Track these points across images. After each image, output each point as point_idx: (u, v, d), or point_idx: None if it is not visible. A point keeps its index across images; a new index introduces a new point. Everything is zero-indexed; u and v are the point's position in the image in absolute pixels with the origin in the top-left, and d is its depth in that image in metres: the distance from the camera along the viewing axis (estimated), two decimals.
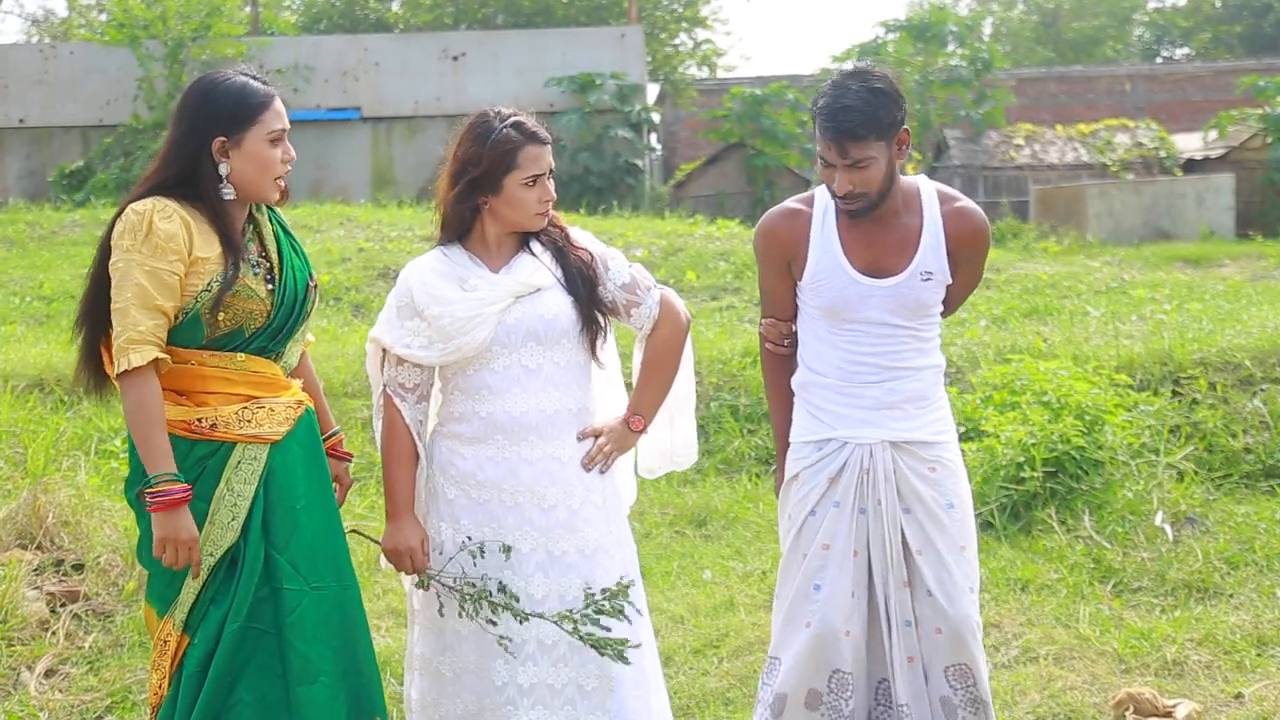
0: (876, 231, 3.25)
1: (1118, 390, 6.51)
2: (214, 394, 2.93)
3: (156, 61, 20.26)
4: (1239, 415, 6.74)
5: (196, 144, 2.93)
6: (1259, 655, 4.51)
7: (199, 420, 2.91)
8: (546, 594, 3.09)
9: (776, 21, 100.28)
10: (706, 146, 26.12)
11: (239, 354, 2.96)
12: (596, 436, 3.20)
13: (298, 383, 3.12)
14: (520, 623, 3.03)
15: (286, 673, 2.90)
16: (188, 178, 2.93)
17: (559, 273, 3.18)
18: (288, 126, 3.03)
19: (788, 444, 3.43)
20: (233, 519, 2.91)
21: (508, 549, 3.06)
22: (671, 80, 30.77)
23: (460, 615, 3.07)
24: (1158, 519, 5.65)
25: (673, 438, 3.47)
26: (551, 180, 3.16)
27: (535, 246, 3.21)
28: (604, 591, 3.03)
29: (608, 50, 22.87)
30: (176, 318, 2.90)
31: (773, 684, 3.29)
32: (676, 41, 33.03)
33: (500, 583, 3.05)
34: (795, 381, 3.41)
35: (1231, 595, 5.04)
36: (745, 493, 6.60)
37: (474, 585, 3.05)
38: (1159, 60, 41.92)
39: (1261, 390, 6.90)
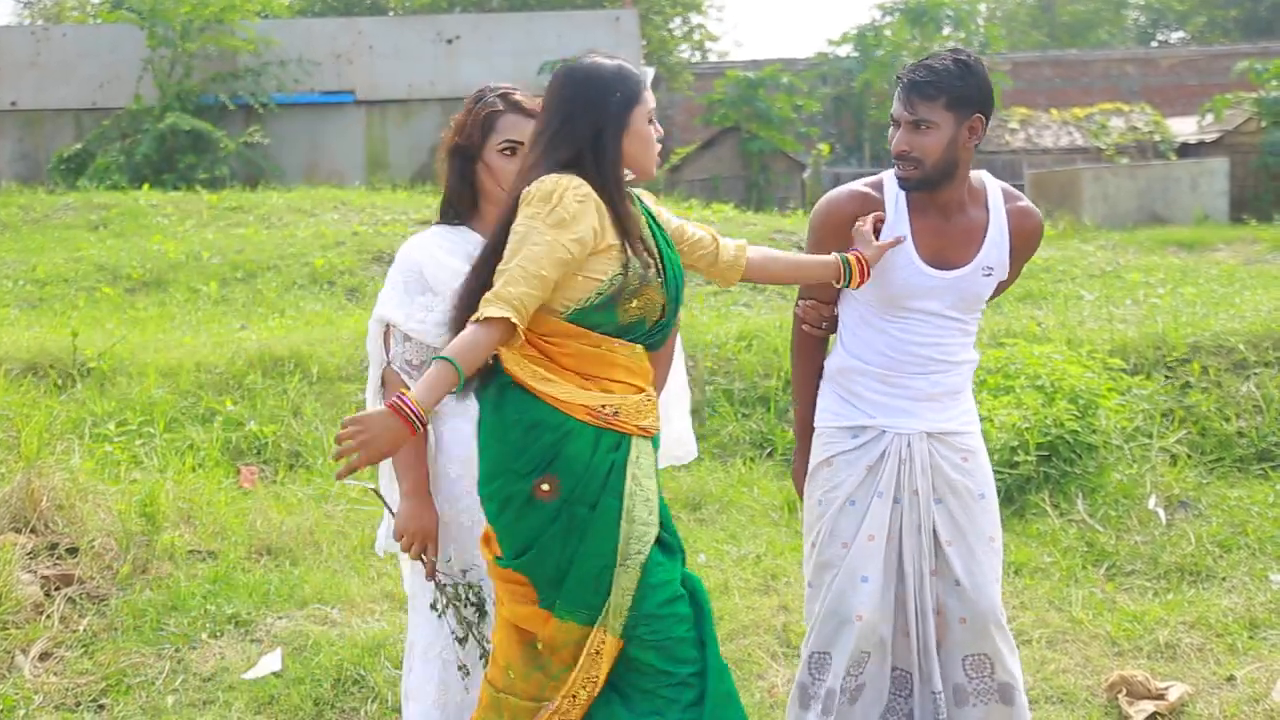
0: (943, 223, 3.24)
1: (1111, 374, 6.52)
2: (619, 383, 2.89)
3: (164, 46, 20.19)
4: (1232, 399, 6.75)
5: (586, 129, 2.84)
6: (1251, 638, 4.52)
7: (603, 406, 2.84)
8: None
9: (771, 5, 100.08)
10: (701, 130, 26.07)
11: (638, 346, 2.93)
12: None
13: None
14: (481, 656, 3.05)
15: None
16: (570, 162, 2.84)
17: None
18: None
19: (812, 429, 3.40)
20: (650, 513, 2.88)
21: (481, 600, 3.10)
22: (666, 64, 30.69)
23: (432, 609, 3.08)
24: (1151, 503, 5.67)
25: (667, 433, 3.46)
26: None
27: None
28: None
29: (602, 34, 22.78)
30: (586, 300, 2.82)
31: (825, 679, 3.23)
32: (671, 25, 32.93)
33: (480, 598, 3.07)
34: (831, 365, 3.38)
35: (1224, 578, 5.06)
36: (740, 477, 6.60)
37: (455, 588, 3.07)
38: (1154, 44, 41.89)
39: (1254, 374, 6.91)
